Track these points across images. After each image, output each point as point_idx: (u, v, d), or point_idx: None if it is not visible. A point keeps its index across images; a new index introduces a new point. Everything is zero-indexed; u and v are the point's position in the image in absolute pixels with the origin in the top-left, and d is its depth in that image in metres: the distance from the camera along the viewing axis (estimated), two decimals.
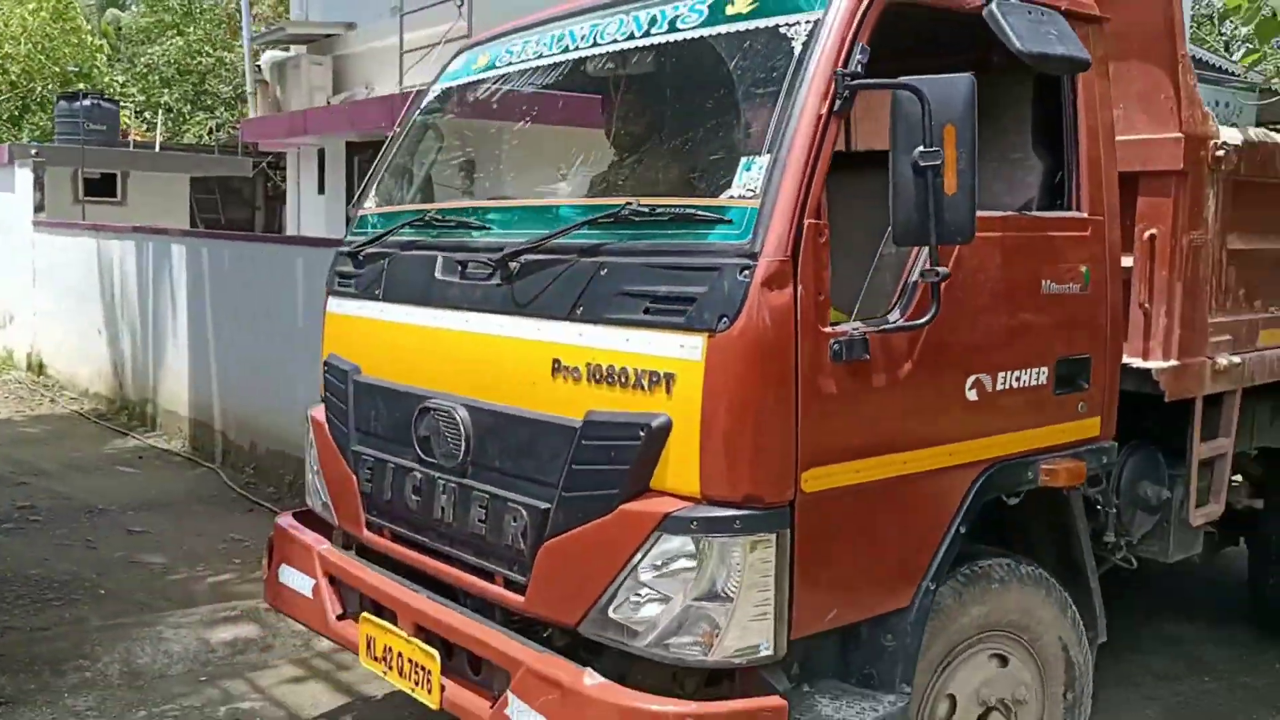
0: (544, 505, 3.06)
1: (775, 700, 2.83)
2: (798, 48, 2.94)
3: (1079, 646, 3.67)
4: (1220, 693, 5.12)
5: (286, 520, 4.22)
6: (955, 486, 3.27)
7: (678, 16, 3.28)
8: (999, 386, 3.34)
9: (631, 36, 3.44)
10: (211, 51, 26.84)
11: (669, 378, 2.81)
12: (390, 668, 3.50)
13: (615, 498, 2.89)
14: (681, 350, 2.79)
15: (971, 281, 3.14)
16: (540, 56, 3.77)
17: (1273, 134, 4.85)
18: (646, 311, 2.88)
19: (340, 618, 3.81)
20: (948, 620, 3.27)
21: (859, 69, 2.91)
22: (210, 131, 25.70)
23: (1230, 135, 4.31)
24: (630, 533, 2.86)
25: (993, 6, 3.15)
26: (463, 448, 3.33)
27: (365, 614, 3.63)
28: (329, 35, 13.66)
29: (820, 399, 2.87)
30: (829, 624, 3.01)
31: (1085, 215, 3.60)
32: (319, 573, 3.88)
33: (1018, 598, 3.49)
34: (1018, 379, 3.40)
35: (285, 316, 8.15)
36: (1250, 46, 5.32)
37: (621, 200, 3.10)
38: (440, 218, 3.78)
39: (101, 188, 16.63)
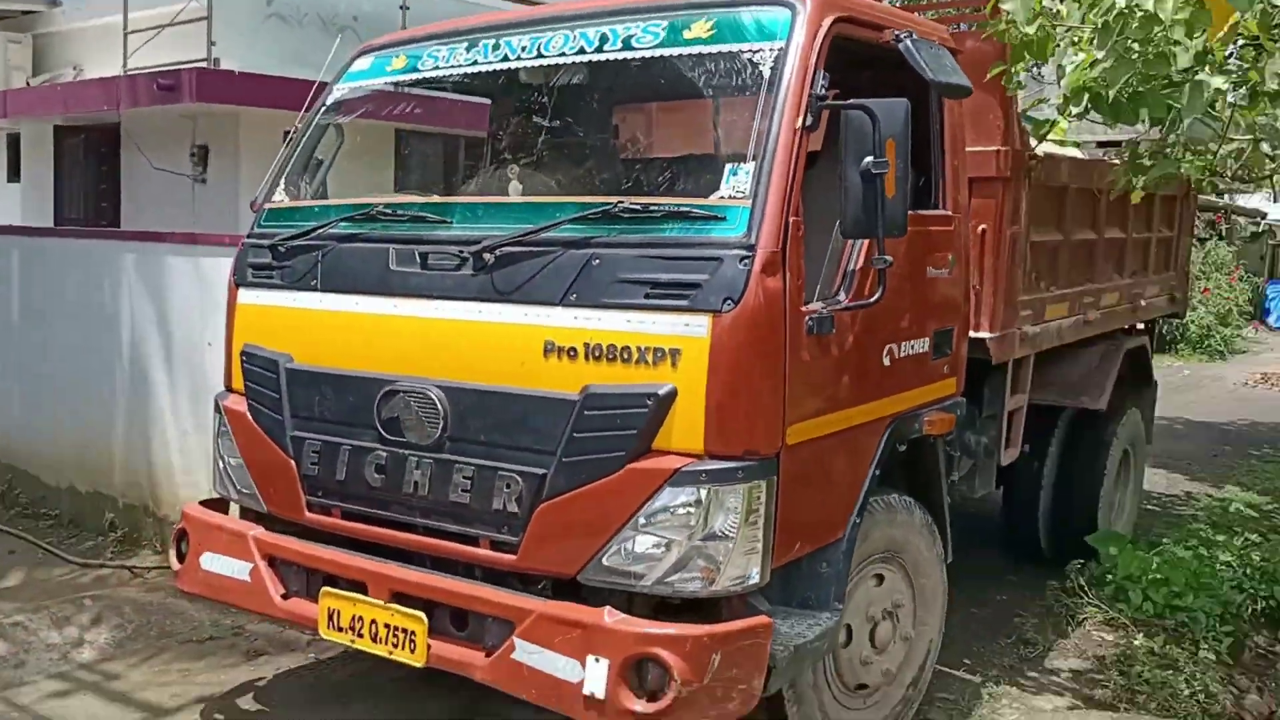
0: (539, 471, 3.38)
1: (764, 619, 3.31)
2: (767, 71, 3.41)
3: (939, 565, 4.40)
4: (954, 625, 5.61)
5: (199, 510, 4.27)
6: (875, 436, 3.89)
7: (631, 36, 3.66)
8: (901, 354, 4.00)
9: (581, 51, 3.79)
10: None
11: (674, 353, 3.22)
12: (360, 635, 3.67)
13: (621, 459, 3.26)
14: (687, 329, 3.20)
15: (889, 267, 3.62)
16: (475, 64, 4.02)
17: (1057, 149, 5.74)
18: (647, 296, 3.26)
19: (285, 597, 3.91)
20: (860, 547, 3.82)
21: (823, 91, 3.41)
22: None
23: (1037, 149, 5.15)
24: (637, 488, 3.25)
25: (908, 42, 3.73)
26: (440, 426, 3.56)
27: (326, 588, 3.77)
28: (28, 12, 12.45)
29: (800, 366, 3.40)
30: (794, 555, 3.54)
31: (950, 213, 4.32)
32: (256, 556, 3.97)
33: (904, 527, 4.17)
34: (912, 347, 4.07)
35: None
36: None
37: (604, 199, 3.52)
38: (390, 212, 4.00)
39: None
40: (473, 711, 4.39)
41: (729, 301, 3.16)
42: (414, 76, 4.24)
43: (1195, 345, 17.83)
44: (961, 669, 5.03)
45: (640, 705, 3.14)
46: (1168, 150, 4.59)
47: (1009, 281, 4.90)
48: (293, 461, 3.90)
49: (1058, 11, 4.27)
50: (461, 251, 3.60)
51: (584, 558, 3.33)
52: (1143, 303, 6.84)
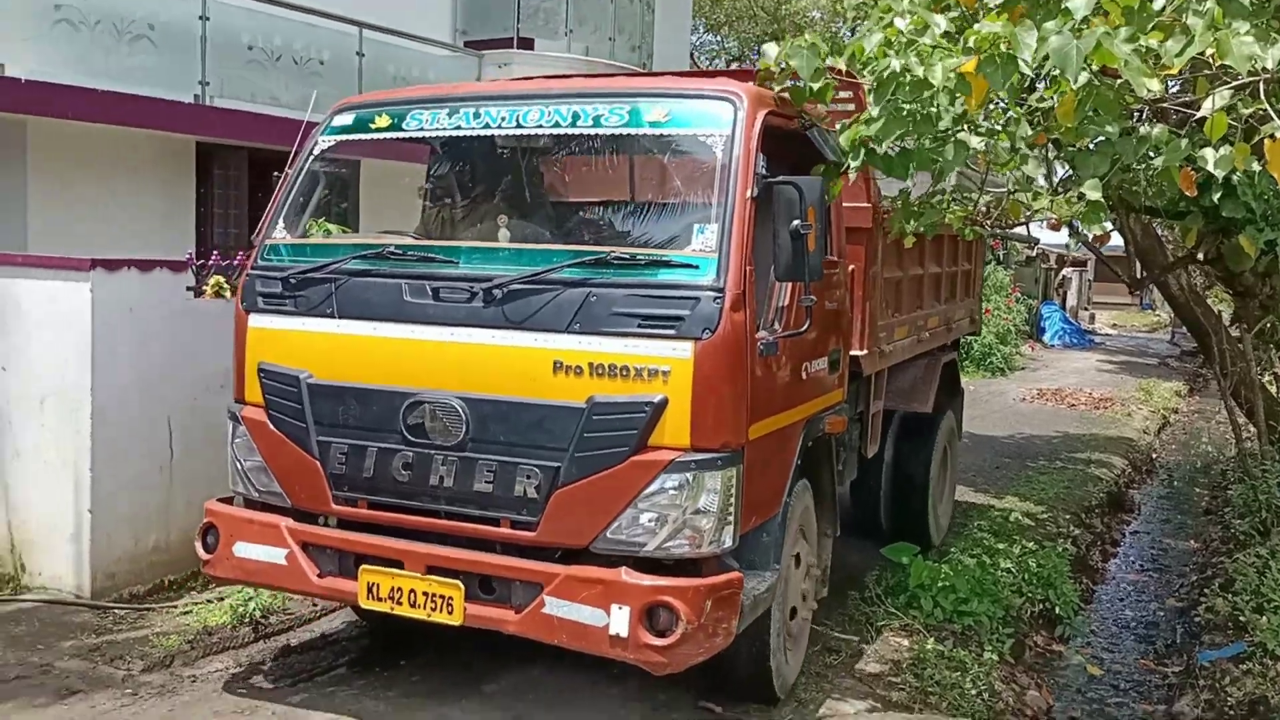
0: (554, 464, 4.23)
1: (737, 574, 4.31)
2: (719, 152, 4.35)
3: (829, 540, 5.58)
4: None
5: (223, 506, 4.94)
6: (796, 434, 4.91)
7: (600, 115, 4.55)
8: (813, 370, 5.05)
9: (556, 125, 4.64)
10: None
11: (665, 371, 4.12)
12: (399, 603, 4.43)
13: (625, 453, 4.16)
14: (674, 352, 4.13)
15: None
16: (459, 129, 4.82)
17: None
18: (640, 326, 4.16)
19: (320, 576, 4.62)
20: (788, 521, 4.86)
21: (763, 169, 4.40)
22: None
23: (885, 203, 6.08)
24: (639, 475, 4.16)
25: (813, 131, 5.04)
26: (463, 430, 4.36)
27: (366, 565, 4.50)
28: None
29: (755, 380, 4.36)
30: (750, 526, 4.46)
31: (838, 259, 5.39)
32: (291, 543, 4.65)
33: (808, 508, 5.21)
34: (818, 365, 5.13)
35: None
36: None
37: (598, 248, 4.45)
38: (400, 252, 4.73)
39: None
40: None
41: (707, 330, 4.11)
42: (396, 135, 4.97)
43: (978, 363, 18.99)
44: None
45: (656, 640, 4.04)
46: (934, 200, 5.05)
47: (873, 310, 6.03)
48: (318, 462, 4.60)
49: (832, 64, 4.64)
50: (472, 288, 4.39)
51: (593, 532, 4.22)
52: (953, 324, 8.17)
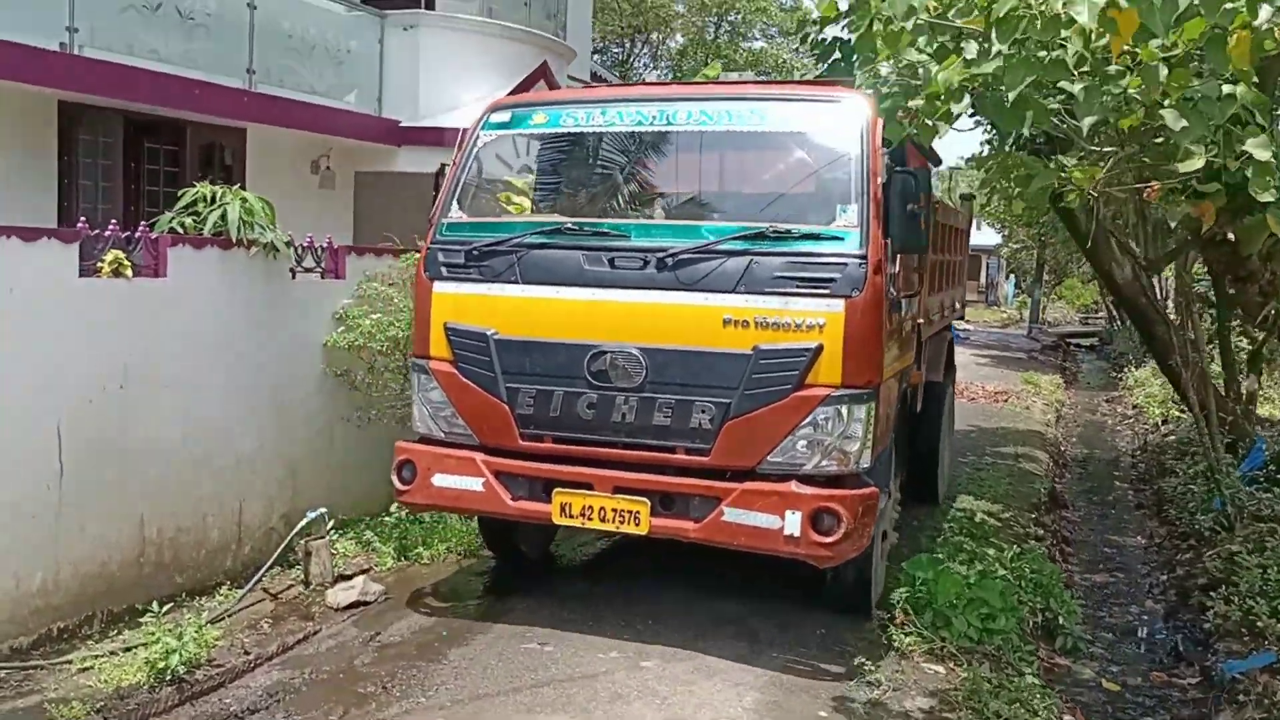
0: (726, 400, 5.05)
1: (874, 488, 5.17)
2: (855, 147, 5.20)
3: (900, 477, 6.73)
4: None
5: (416, 445, 5.64)
6: (901, 379, 5.89)
7: (742, 114, 5.49)
8: (909, 329, 5.97)
9: (703, 123, 5.53)
10: None
11: (820, 324, 4.96)
12: (590, 520, 5.23)
13: (788, 390, 4.99)
14: (829, 307, 4.97)
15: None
16: (613, 125, 5.81)
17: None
18: (798, 287, 5.00)
19: (514, 500, 5.36)
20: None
21: (889, 161, 5.25)
22: None
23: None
24: (800, 408, 4.99)
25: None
26: (643, 374, 5.16)
27: (558, 489, 5.26)
28: None
29: (888, 331, 5.27)
30: (878, 452, 5.24)
31: None
32: (487, 473, 5.38)
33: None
34: (910, 325, 6.07)
35: None
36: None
37: (757, 224, 5.19)
38: (577, 228, 5.50)
39: None
40: None
41: (855, 290, 4.95)
42: (553, 131, 5.84)
43: None
44: (827, 712, 4.56)
45: (822, 539, 4.89)
46: (1049, 161, 4.39)
47: (928, 287, 6.94)
48: (506, 405, 5.36)
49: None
50: (646, 257, 5.21)
51: (759, 455, 5.04)
52: (957, 305, 9.39)
